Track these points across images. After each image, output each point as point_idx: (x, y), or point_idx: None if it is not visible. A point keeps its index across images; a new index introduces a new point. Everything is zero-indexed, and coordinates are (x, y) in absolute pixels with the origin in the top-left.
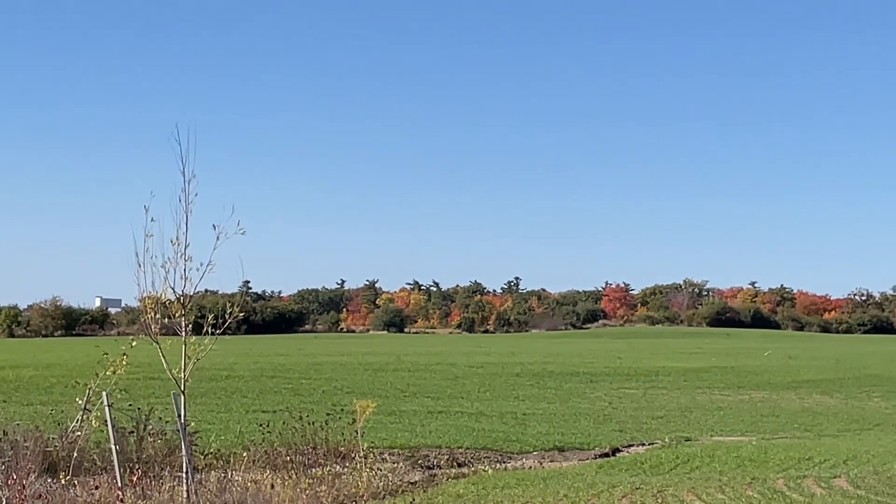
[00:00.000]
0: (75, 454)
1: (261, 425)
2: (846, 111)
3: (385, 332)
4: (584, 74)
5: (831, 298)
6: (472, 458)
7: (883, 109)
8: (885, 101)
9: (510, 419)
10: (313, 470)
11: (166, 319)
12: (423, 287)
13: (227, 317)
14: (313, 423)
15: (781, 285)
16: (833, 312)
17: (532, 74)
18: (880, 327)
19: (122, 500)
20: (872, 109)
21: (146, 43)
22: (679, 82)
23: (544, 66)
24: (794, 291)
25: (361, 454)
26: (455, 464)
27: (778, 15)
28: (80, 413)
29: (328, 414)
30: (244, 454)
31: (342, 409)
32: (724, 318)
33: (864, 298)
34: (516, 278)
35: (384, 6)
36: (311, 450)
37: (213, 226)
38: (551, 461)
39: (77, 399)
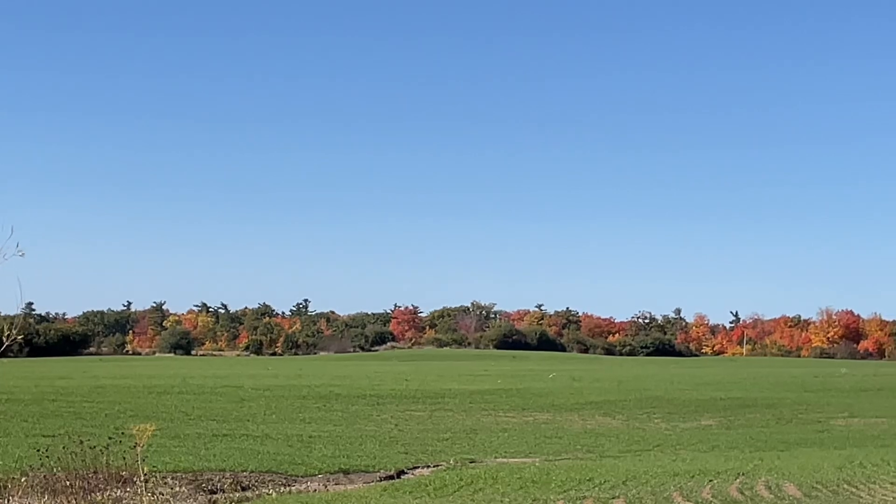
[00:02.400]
0: None
1: (39, 450)
2: (621, 132)
3: (172, 354)
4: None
5: (615, 321)
6: (256, 481)
7: (658, 136)
8: (655, 126)
9: (296, 442)
10: (94, 495)
11: None
12: (210, 309)
13: (4, 339)
14: (94, 448)
15: (567, 308)
16: (617, 335)
17: (317, 91)
18: (662, 349)
19: None
20: (650, 131)
21: None
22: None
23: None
24: (580, 314)
25: (142, 479)
26: (239, 487)
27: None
28: None
29: (110, 438)
30: (22, 480)
31: (123, 433)
32: (511, 341)
33: (647, 321)
34: (305, 300)
35: None
36: (91, 474)
37: None
38: (336, 484)
39: None
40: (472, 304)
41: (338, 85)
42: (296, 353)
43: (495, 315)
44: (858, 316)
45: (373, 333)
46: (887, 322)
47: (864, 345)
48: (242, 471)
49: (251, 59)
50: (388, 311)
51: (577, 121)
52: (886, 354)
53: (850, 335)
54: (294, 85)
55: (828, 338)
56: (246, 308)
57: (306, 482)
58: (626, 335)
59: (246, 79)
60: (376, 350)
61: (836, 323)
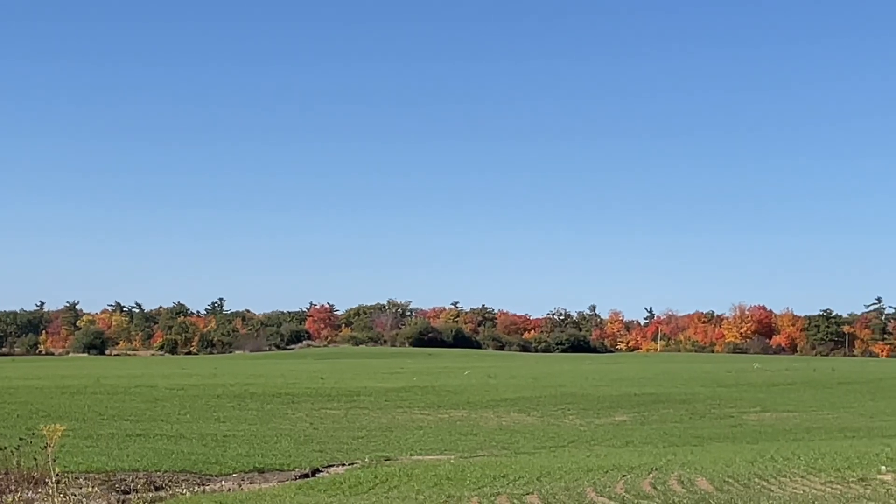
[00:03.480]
0: None
1: None
2: (527, 127)
3: (85, 354)
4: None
5: (531, 318)
6: (170, 481)
7: (563, 130)
8: (559, 121)
9: (210, 441)
10: (4, 497)
11: None
12: (125, 308)
13: None
14: (5, 449)
15: (483, 305)
16: (533, 332)
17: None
18: (577, 346)
19: None
20: (554, 126)
21: None
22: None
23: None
24: (496, 311)
25: (54, 480)
26: (152, 487)
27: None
28: None
29: (21, 439)
30: None
31: (34, 434)
32: (427, 338)
33: (562, 318)
34: (220, 299)
35: None
36: (2, 476)
37: None
38: (251, 483)
39: None
40: (388, 302)
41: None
42: (211, 353)
43: (411, 313)
44: (771, 311)
45: (288, 332)
46: (799, 317)
47: (777, 340)
48: (156, 471)
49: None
50: (304, 310)
51: (485, 118)
52: (798, 349)
53: (763, 330)
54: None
55: (741, 333)
56: (160, 307)
57: (220, 481)
58: (542, 332)
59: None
60: (292, 349)
61: (749, 318)
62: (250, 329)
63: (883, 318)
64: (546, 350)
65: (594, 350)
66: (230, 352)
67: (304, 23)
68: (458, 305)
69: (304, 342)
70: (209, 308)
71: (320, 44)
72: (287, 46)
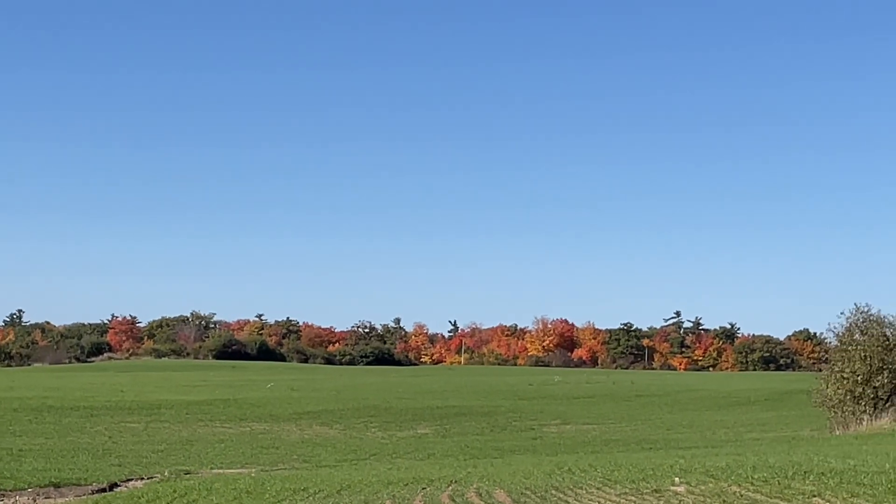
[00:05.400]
0: None
1: None
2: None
3: None
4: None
5: (336, 331)
6: None
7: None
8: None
9: (5, 455)
10: None
11: None
12: None
13: None
14: None
15: (287, 318)
16: (337, 344)
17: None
18: (382, 359)
19: None
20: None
21: None
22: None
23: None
24: (300, 324)
25: None
26: None
27: None
28: None
29: None
30: None
31: None
32: (231, 351)
33: (366, 331)
34: (19, 311)
35: None
36: None
37: None
38: (46, 498)
39: None
40: (192, 314)
41: None
42: (9, 365)
43: (215, 325)
44: (573, 325)
45: (89, 344)
46: (600, 331)
47: (578, 353)
48: None
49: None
50: (106, 322)
51: (285, 123)
52: (599, 362)
53: (565, 344)
54: None
55: (543, 346)
56: None
57: (15, 496)
58: (346, 345)
59: None
60: (92, 361)
61: (552, 331)
62: (50, 341)
63: (681, 331)
64: (350, 363)
65: (398, 363)
66: (29, 364)
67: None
68: (262, 318)
69: (106, 354)
70: (7, 319)
71: None
72: None
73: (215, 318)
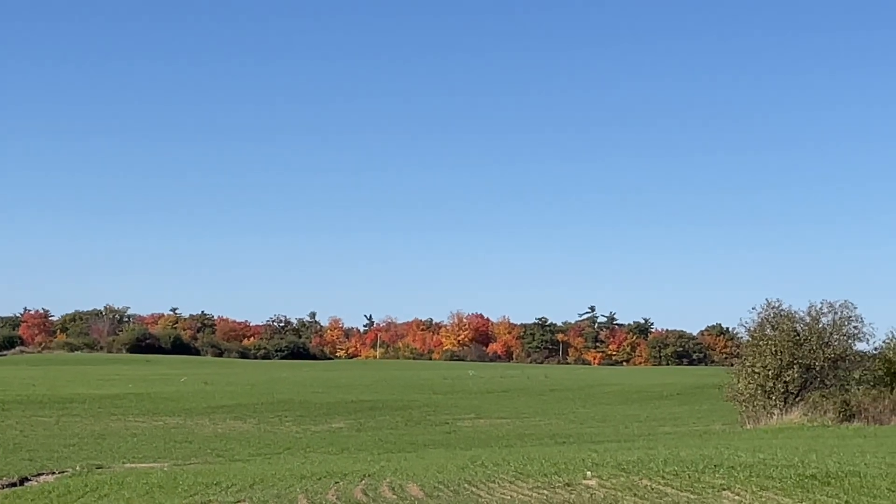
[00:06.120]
0: None
1: None
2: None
3: None
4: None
5: (251, 325)
6: None
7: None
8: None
9: None
10: None
11: None
12: None
13: None
14: None
15: (202, 311)
16: (252, 338)
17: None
18: (297, 353)
19: None
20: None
21: None
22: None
23: None
24: (215, 318)
25: None
26: None
27: None
28: None
29: None
30: None
31: None
32: (145, 345)
33: (282, 325)
34: None
35: None
36: None
37: None
38: None
39: None
40: (105, 307)
41: None
42: None
43: (129, 319)
44: (488, 319)
45: (1, 338)
46: (515, 325)
47: (493, 347)
48: None
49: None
50: (18, 315)
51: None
52: (514, 357)
53: (480, 338)
54: None
55: (458, 341)
56: None
57: None
58: (262, 339)
59: None
60: (4, 355)
61: (467, 326)
62: None
63: (595, 326)
64: (265, 357)
65: (314, 357)
66: None
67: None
68: (176, 311)
69: (18, 348)
70: None
71: None
72: None
73: (129, 312)
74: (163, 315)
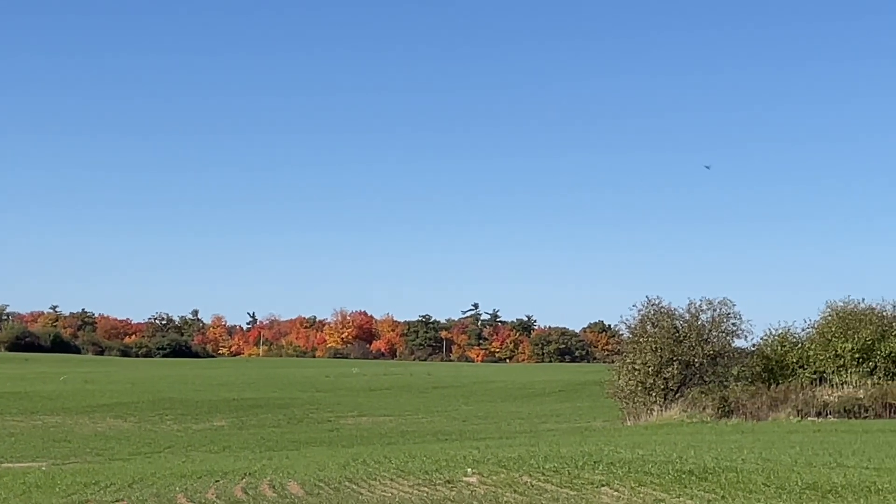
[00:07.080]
0: None
1: None
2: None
3: None
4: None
5: (132, 322)
6: None
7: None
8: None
9: None
10: None
11: None
12: None
13: None
14: None
15: (83, 309)
16: (134, 336)
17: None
18: (179, 351)
19: None
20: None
21: None
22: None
23: None
24: (96, 315)
25: None
26: None
27: None
28: None
29: None
30: None
31: None
32: (24, 343)
33: (164, 322)
34: None
35: None
36: None
37: None
38: None
39: None
40: None
41: None
42: None
43: (7, 317)
44: (372, 316)
45: None
46: (399, 323)
47: (377, 345)
48: None
49: None
50: None
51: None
52: (397, 354)
53: (364, 335)
54: None
55: (342, 338)
56: None
57: None
58: (143, 336)
59: None
60: None
61: (351, 323)
62: None
63: (479, 323)
64: (147, 355)
65: (196, 355)
66: None
67: None
68: (56, 309)
69: None
70: None
71: None
72: None
73: (8, 310)
74: (42, 313)
